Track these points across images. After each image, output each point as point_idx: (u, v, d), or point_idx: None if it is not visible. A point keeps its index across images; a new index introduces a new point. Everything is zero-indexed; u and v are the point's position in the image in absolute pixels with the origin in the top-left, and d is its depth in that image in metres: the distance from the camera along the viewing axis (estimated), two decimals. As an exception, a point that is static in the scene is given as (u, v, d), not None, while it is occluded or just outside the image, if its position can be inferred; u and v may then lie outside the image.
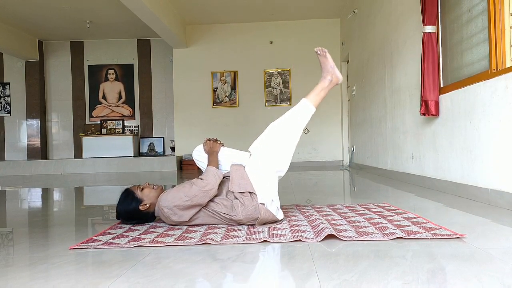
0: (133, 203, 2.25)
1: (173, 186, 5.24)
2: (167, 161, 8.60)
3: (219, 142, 2.48)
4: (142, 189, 2.27)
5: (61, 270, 1.54)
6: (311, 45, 8.84)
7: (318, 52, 2.40)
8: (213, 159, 2.35)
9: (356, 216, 2.39)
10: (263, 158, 2.27)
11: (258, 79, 8.98)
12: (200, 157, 2.51)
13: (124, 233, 2.10)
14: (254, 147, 2.34)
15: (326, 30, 8.85)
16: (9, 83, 9.75)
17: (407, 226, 2.06)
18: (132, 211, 2.26)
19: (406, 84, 4.38)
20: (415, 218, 2.28)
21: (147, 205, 2.25)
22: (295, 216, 2.44)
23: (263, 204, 2.16)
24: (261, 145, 2.31)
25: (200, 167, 2.53)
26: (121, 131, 9.69)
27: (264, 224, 2.18)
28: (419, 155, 4.05)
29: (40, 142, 9.60)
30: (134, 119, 9.82)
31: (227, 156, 2.46)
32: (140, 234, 2.07)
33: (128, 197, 2.26)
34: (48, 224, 2.64)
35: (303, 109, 2.37)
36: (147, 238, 1.97)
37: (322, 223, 2.13)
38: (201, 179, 2.18)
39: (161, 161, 8.61)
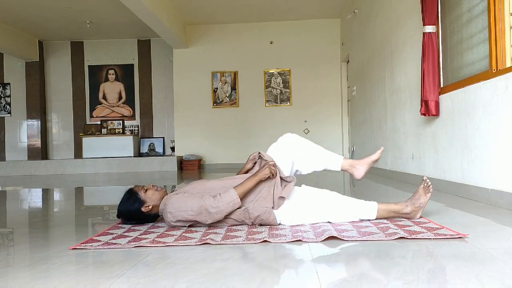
0: (136, 204, 2.24)
1: (174, 187, 5.24)
2: (168, 161, 8.60)
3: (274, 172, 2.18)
4: (146, 190, 2.26)
5: (62, 270, 1.54)
6: (312, 45, 8.88)
7: (424, 184, 2.18)
8: (250, 185, 2.13)
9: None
10: (303, 200, 2.21)
11: (258, 79, 8.99)
12: (282, 149, 2.37)
13: (124, 233, 2.10)
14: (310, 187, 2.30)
15: (326, 30, 8.85)
16: (10, 83, 9.76)
17: (409, 226, 2.06)
18: (134, 212, 2.25)
19: (406, 84, 4.38)
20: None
21: (150, 207, 2.25)
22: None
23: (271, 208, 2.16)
24: (314, 194, 2.25)
25: (270, 155, 2.35)
26: (121, 131, 9.69)
27: (262, 225, 2.17)
28: (419, 155, 4.05)
29: (40, 142, 9.60)
30: (134, 119, 9.82)
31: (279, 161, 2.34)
32: (141, 234, 2.07)
33: (131, 197, 2.25)
34: (48, 225, 2.64)
35: (366, 209, 2.21)
36: (148, 238, 1.97)
37: (324, 224, 2.13)
38: (214, 197, 2.09)
39: (161, 161, 8.61)
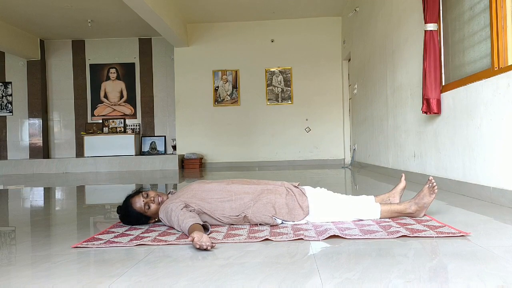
0: (142, 219, 2.26)
1: (174, 186, 5.25)
2: (169, 160, 8.61)
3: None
4: (149, 206, 2.23)
5: (63, 269, 1.54)
6: (313, 44, 8.87)
7: (429, 184, 2.16)
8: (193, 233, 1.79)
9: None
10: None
11: (260, 77, 8.98)
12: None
13: (126, 232, 2.10)
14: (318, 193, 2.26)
15: (327, 29, 8.84)
16: (11, 82, 9.76)
17: (411, 224, 2.06)
18: (141, 224, 2.29)
19: (407, 82, 4.37)
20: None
21: (156, 219, 2.29)
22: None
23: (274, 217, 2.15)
24: (319, 196, 2.23)
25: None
26: (122, 130, 9.69)
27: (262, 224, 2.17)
28: (420, 153, 4.05)
29: (42, 141, 9.61)
30: (136, 118, 9.82)
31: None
32: (142, 232, 2.07)
33: (139, 218, 2.24)
34: (50, 223, 2.64)
35: (369, 211, 2.20)
36: (149, 236, 1.98)
37: (325, 223, 2.13)
38: (181, 211, 2.05)
39: (162, 160, 8.61)
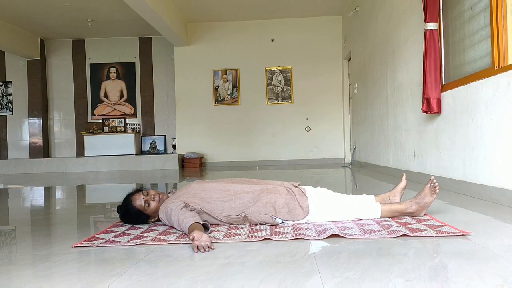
0: (143, 218, 2.26)
1: (175, 185, 5.25)
2: (169, 159, 8.61)
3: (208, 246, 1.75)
4: (149, 204, 2.23)
5: (64, 268, 1.54)
6: (313, 43, 8.87)
7: (431, 184, 2.16)
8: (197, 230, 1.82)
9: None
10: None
11: (260, 77, 8.97)
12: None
13: (126, 231, 2.10)
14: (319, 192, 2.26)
15: (328, 28, 8.83)
16: (11, 81, 9.77)
17: (411, 223, 2.06)
18: (141, 223, 2.29)
19: (408, 81, 4.37)
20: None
21: (156, 218, 2.29)
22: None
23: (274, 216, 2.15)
24: (319, 196, 2.23)
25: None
26: (123, 130, 9.69)
27: (261, 223, 2.17)
28: (421, 152, 4.05)
29: (42, 140, 9.61)
30: (136, 117, 9.82)
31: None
32: (142, 232, 2.07)
33: (139, 216, 2.24)
34: (50, 223, 2.64)
35: (369, 211, 2.20)
36: (149, 236, 1.98)
37: (326, 223, 2.13)
38: (181, 211, 2.04)
39: (163, 159, 8.61)
